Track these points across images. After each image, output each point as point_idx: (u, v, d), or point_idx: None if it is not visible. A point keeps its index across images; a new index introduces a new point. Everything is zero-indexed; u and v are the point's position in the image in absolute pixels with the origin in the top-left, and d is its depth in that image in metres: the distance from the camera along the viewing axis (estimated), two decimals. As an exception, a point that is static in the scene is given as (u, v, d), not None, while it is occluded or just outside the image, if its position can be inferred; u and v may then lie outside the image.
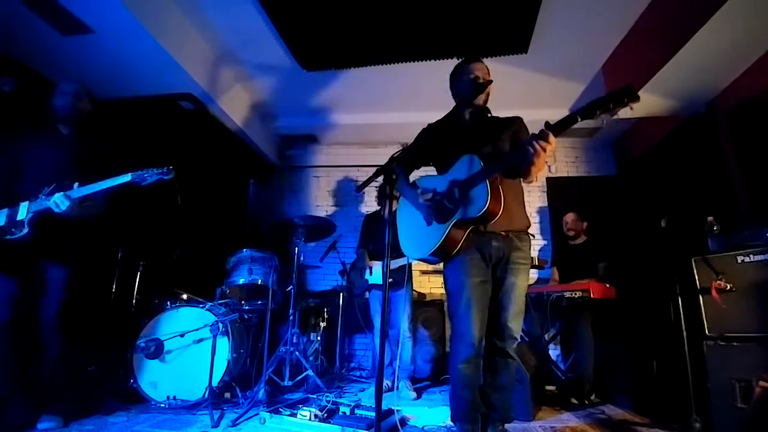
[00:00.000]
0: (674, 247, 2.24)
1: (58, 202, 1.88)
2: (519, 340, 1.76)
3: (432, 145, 1.92)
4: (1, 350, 1.95)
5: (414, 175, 1.99)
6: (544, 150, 1.48)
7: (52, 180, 1.95)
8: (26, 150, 2.08)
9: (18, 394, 1.99)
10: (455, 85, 1.94)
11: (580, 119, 1.41)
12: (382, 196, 3.41)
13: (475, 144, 1.75)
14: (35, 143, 2.10)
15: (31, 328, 2.01)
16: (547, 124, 1.49)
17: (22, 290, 1.98)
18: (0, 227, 1.90)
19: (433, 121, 1.69)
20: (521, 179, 1.79)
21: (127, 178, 1.93)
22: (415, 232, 1.87)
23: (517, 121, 1.87)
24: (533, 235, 1.89)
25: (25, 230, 1.90)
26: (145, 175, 1.94)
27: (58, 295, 2.04)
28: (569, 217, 3.48)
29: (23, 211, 1.91)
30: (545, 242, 4.29)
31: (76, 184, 1.92)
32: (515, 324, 1.73)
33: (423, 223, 1.82)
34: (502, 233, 1.73)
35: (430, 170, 1.97)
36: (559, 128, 1.47)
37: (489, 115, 1.92)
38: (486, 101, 1.89)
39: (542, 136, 1.47)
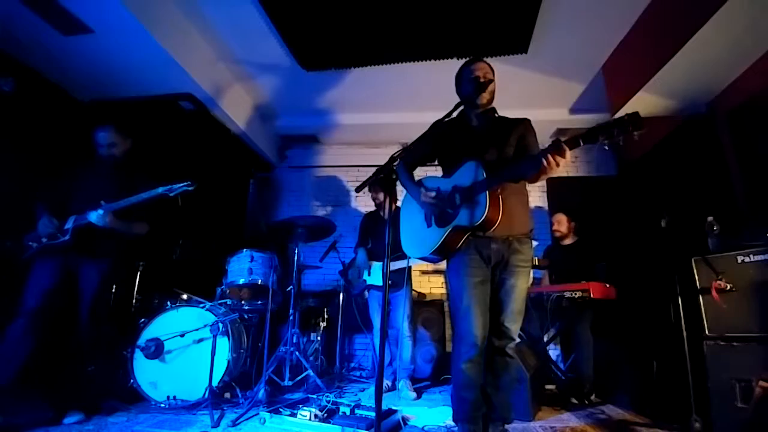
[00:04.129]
0: (674, 247, 2.24)
1: (94, 215, 2.23)
2: (517, 340, 1.77)
3: (438, 145, 1.92)
4: (28, 336, 2.09)
5: (417, 174, 2.00)
6: (558, 165, 1.48)
7: (97, 201, 2.27)
8: (78, 176, 2.44)
9: (41, 388, 2.15)
10: (459, 87, 1.95)
11: (582, 143, 1.42)
12: (380, 188, 3.36)
13: (481, 149, 1.76)
14: (84, 171, 2.45)
15: (58, 323, 2.20)
16: (559, 141, 1.48)
17: (56, 285, 2.20)
18: (50, 233, 2.23)
19: (442, 117, 1.69)
20: (525, 182, 1.80)
21: (158, 191, 2.25)
22: (416, 232, 1.89)
23: (525, 123, 1.87)
24: (535, 239, 1.89)
25: (67, 237, 2.23)
26: (174, 187, 2.25)
27: (90, 292, 2.29)
28: (558, 218, 3.45)
29: (70, 222, 2.26)
30: (546, 243, 4.29)
31: (102, 203, 2.25)
32: (514, 325, 1.74)
33: (424, 224, 1.85)
34: (502, 237, 1.73)
35: (430, 170, 1.98)
36: (569, 146, 1.47)
37: (496, 115, 1.92)
38: (490, 101, 1.88)
39: (558, 149, 1.46)
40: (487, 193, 1.62)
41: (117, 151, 2.45)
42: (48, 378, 2.29)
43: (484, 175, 1.66)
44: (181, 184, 2.25)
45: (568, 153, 1.46)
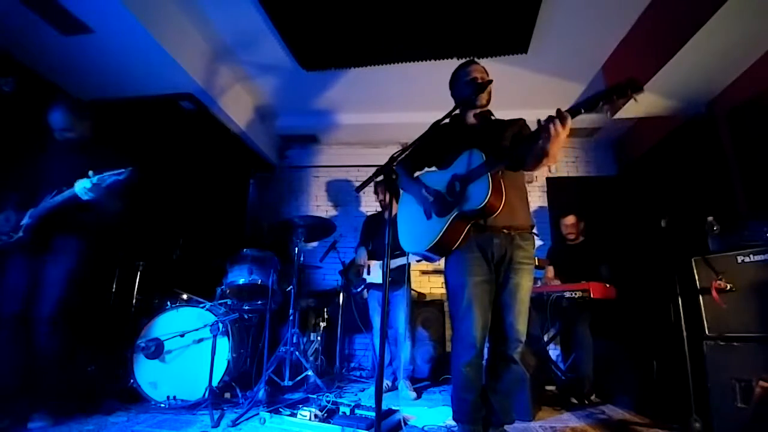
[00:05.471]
0: (674, 247, 2.24)
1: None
2: (523, 342, 1.69)
3: (436, 145, 1.91)
4: (10, 344, 2.03)
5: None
6: (558, 134, 1.45)
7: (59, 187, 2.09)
8: (40, 164, 2.25)
9: (21, 391, 2.04)
10: (455, 89, 1.95)
11: (584, 111, 1.40)
12: (379, 192, 3.38)
13: (477, 142, 1.74)
14: (49, 156, 2.26)
15: (32, 319, 2.09)
16: (559, 110, 1.46)
17: (29, 284, 2.10)
18: (5, 231, 2.07)
19: (439, 119, 1.68)
20: (524, 174, 1.78)
21: (87, 184, 2.00)
22: (415, 227, 1.84)
23: (520, 122, 1.87)
24: (537, 234, 1.87)
25: (20, 234, 2.07)
26: (105, 177, 2.00)
27: (55, 290, 2.11)
28: (569, 220, 3.43)
29: (26, 218, 2.08)
30: (546, 242, 4.29)
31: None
32: (521, 325, 1.68)
33: (423, 217, 1.81)
34: (504, 230, 1.70)
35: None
36: (571, 113, 1.46)
37: (492, 118, 1.92)
38: (488, 101, 1.89)
39: (560, 116, 1.44)
40: (489, 176, 1.59)
41: (74, 134, 2.24)
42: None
43: (484, 158, 1.63)
44: (112, 173, 2.01)
45: (569, 121, 1.45)
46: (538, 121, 1.49)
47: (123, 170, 2.01)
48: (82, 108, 2.34)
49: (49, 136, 2.26)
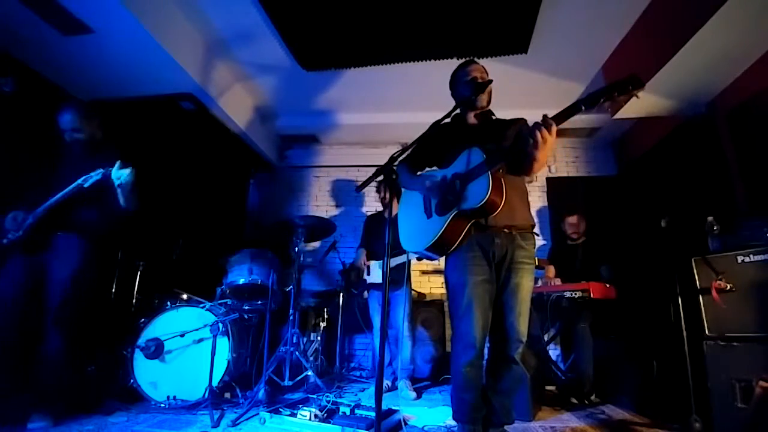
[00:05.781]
0: (674, 247, 2.24)
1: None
2: (524, 343, 1.69)
3: (436, 145, 1.90)
4: (11, 343, 2.03)
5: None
6: (545, 141, 1.46)
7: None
8: (54, 163, 2.30)
9: (21, 391, 2.05)
10: (455, 89, 1.95)
11: (584, 108, 1.40)
12: (381, 190, 3.39)
13: (478, 141, 1.74)
14: (60, 157, 2.30)
15: (32, 319, 2.09)
16: (545, 117, 1.47)
17: (29, 285, 2.10)
18: (8, 229, 2.10)
19: (439, 119, 1.68)
20: (524, 176, 1.78)
21: (77, 182, 2.09)
22: (415, 226, 1.84)
23: (521, 121, 1.87)
24: (538, 234, 1.87)
25: (19, 233, 2.10)
26: (90, 176, 2.09)
27: (60, 290, 2.11)
28: (573, 219, 3.43)
29: (30, 218, 2.12)
30: (545, 242, 4.29)
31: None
32: (522, 325, 1.68)
33: (423, 216, 1.80)
34: (505, 230, 1.70)
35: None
36: (561, 117, 1.46)
37: (494, 117, 1.92)
38: (489, 101, 1.89)
39: (545, 123, 1.45)
40: (489, 174, 1.58)
41: (84, 135, 2.28)
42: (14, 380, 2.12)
43: (484, 157, 1.62)
44: (93, 174, 2.08)
45: (554, 128, 1.47)
46: (544, 116, 1.50)
47: (97, 172, 2.07)
48: (91, 109, 2.36)
49: (59, 137, 2.28)
